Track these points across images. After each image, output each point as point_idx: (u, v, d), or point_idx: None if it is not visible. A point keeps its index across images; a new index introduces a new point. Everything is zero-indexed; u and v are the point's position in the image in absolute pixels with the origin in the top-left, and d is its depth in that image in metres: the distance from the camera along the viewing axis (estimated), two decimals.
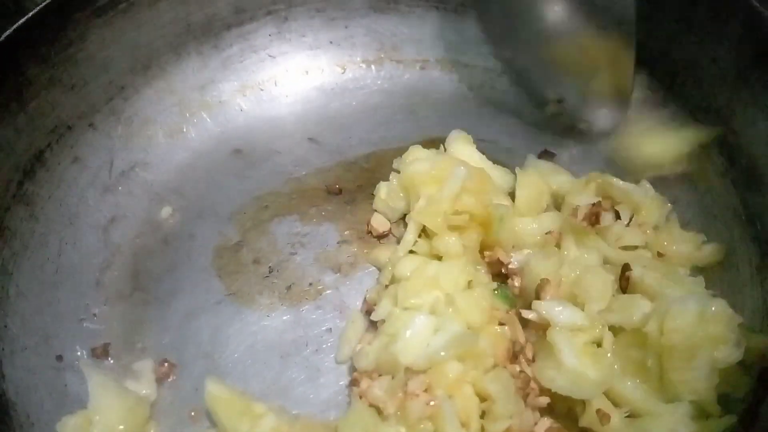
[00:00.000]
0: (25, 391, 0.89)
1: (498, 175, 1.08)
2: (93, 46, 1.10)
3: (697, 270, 0.97)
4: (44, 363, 0.94)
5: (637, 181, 1.02)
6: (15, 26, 0.98)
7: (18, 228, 1.01)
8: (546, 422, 0.83)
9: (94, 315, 1.02)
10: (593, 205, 0.95)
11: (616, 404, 0.82)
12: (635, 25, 0.93)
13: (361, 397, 0.84)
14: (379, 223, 1.09)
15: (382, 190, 1.10)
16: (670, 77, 1.08)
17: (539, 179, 1.05)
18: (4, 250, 0.98)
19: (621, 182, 1.00)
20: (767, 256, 0.91)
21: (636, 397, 0.81)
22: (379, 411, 0.82)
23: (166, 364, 0.96)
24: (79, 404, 0.91)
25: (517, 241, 0.98)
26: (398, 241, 1.05)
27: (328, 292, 1.04)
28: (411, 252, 1.00)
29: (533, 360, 0.86)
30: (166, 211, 1.13)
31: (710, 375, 0.77)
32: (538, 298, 0.88)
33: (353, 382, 0.90)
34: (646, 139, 1.08)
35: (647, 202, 0.99)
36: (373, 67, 1.30)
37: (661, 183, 1.06)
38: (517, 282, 0.94)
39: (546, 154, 1.15)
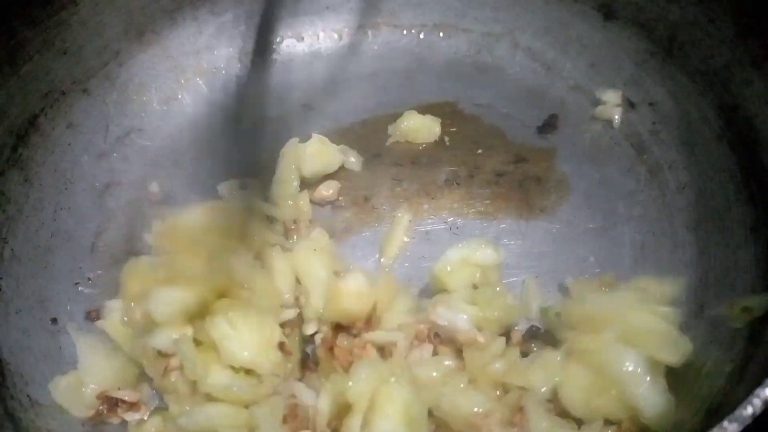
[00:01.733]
0: (19, 351, 0.91)
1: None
2: (86, 9, 1.09)
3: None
4: (39, 325, 0.95)
5: None
6: None
7: (12, 193, 1.01)
8: None
9: (89, 279, 1.03)
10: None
11: None
12: None
13: None
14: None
15: None
16: (668, 39, 1.06)
17: None
18: None
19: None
20: (762, 217, 0.90)
21: None
22: None
23: None
24: (73, 365, 0.93)
25: None
26: None
27: None
28: None
29: None
30: (154, 187, 1.12)
31: None
32: None
33: None
34: None
35: None
36: (369, 32, 1.29)
37: (658, 143, 1.06)
38: None
39: (547, 126, 1.14)
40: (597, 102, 1.14)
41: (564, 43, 1.19)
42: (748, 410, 0.57)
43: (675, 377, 0.80)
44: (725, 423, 0.57)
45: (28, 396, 0.86)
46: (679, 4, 1.03)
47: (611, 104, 1.13)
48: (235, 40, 1.27)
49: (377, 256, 1.03)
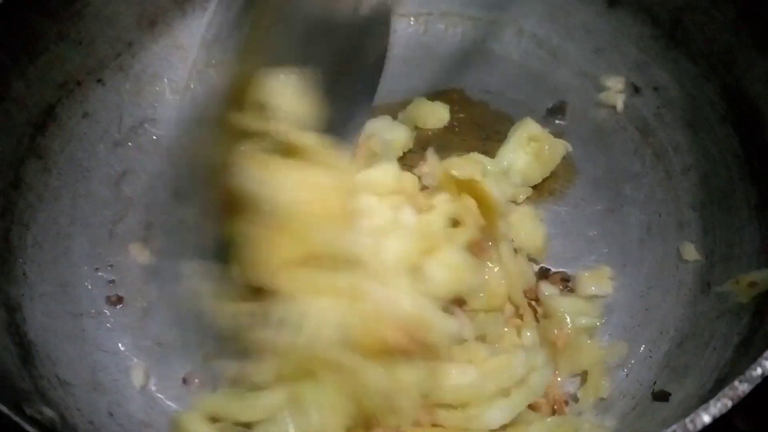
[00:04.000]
0: (45, 334, 0.92)
1: None
2: (99, 1, 1.11)
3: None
4: (62, 309, 0.97)
5: None
6: None
7: (32, 181, 1.03)
8: None
9: (109, 265, 1.05)
10: None
11: None
12: None
13: None
14: None
15: None
16: (671, 24, 1.08)
17: None
18: (20, 202, 1.00)
19: None
20: (765, 196, 0.93)
21: None
22: None
23: None
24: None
25: None
26: None
27: None
28: None
29: None
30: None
31: None
32: None
33: None
34: None
35: None
36: None
37: (663, 126, 1.08)
38: None
39: (555, 112, 1.17)
40: (602, 87, 1.16)
41: (569, 30, 1.21)
42: (758, 371, 0.60)
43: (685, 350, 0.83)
44: (736, 383, 0.59)
45: (56, 376, 0.88)
46: None
47: (615, 90, 1.15)
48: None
49: None
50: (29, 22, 1.02)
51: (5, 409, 0.65)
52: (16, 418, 0.65)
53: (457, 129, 1.17)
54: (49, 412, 0.75)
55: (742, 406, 0.63)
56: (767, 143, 0.94)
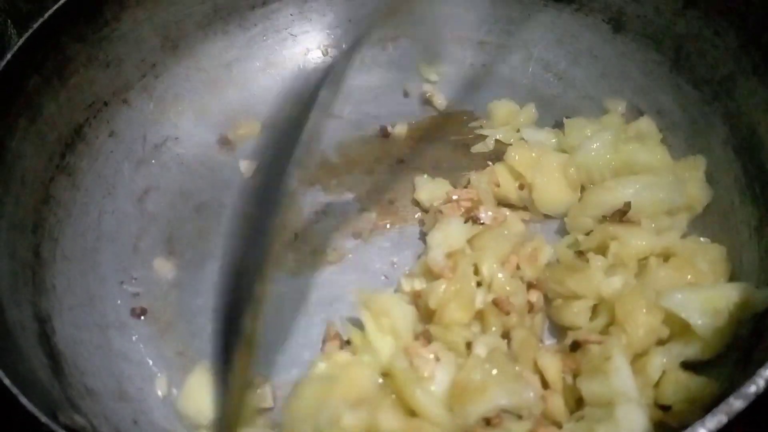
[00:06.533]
0: (73, 345, 0.97)
1: None
2: (126, 25, 1.16)
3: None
4: (90, 321, 1.02)
5: None
6: (56, 6, 1.04)
7: (62, 197, 1.08)
8: None
9: (133, 278, 1.09)
10: None
11: None
12: None
13: None
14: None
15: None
16: (675, 50, 1.12)
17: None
18: (50, 217, 1.05)
19: None
20: (765, 218, 0.96)
21: None
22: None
23: None
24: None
25: None
26: None
27: (349, 256, 1.11)
28: None
29: None
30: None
31: None
32: None
33: None
34: None
35: None
36: (389, 45, 1.35)
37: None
38: None
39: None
40: (606, 110, 1.20)
41: (575, 55, 1.25)
42: (752, 388, 0.63)
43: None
44: (732, 399, 0.63)
45: (84, 385, 0.92)
46: (685, 18, 1.09)
47: (615, 113, 1.19)
48: (262, 52, 1.33)
49: (404, 253, 1.10)
50: (62, 47, 1.08)
51: (44, 418, 0.69)
52: (54, 426, 0.69)
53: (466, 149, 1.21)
54: (80, 420, 0.79)
55: (742, 419, 0.66)
56: (767, 168, 0.97)
